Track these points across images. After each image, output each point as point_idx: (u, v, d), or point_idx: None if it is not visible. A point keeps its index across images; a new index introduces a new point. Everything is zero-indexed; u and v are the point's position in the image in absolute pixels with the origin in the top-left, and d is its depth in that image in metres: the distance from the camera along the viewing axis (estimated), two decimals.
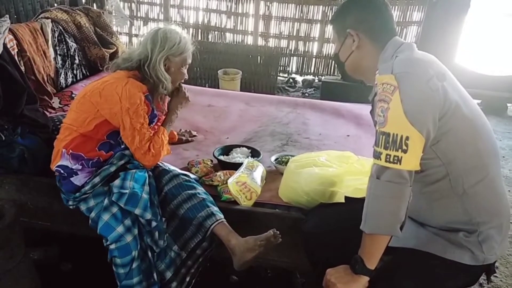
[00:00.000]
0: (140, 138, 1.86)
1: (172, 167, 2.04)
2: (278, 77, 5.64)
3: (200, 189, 1.89)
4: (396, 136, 1.20)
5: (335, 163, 1.93)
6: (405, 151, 1.19)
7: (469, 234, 1.33)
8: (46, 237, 2.35)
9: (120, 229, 1.77)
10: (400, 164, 1.20)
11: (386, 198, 1.24)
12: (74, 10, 3.12)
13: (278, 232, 1.69)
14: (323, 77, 5.53)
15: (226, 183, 1.98)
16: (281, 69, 5.73)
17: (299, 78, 5.88)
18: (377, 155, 1.25)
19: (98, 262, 1.92)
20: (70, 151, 1.86)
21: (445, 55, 1.30)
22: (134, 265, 1.79)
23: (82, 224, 1.94)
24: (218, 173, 2.10)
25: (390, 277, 1.37)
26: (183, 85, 2.10)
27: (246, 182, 1.97)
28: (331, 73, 5.67)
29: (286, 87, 5.66)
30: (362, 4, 1.47)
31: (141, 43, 1.95)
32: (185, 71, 2.03)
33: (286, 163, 2.20)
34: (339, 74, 5.37)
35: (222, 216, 1.81)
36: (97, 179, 1.86)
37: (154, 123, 2.01)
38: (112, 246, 1.77)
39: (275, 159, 2.27)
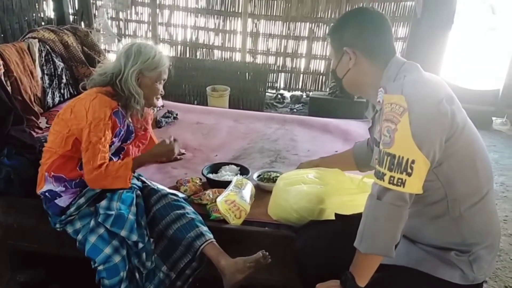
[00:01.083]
0: (93, 152, 1.78)
1: (160, 187, 2.03)
2: (267, 93, 5.66)
3: (189, 209, 1.88)
4: (402, 159, 1.20)
5: (324, 180, 1.93)
6: (409, 174, 1.19)
7: (461, 253, 1.33)
8: (33, 258, 2.31)
9: (107, 250, 1.75)
10: (403, 187, 1.20)
11: (385, 221, 1.24)
12: (61, 30, 3.12)
13: (267, 253, 1.69)
14: (311, 93, 5.57)
15: (215, 201, 1.98)
16: (269, 85, 5.76)
17: (287, 94, 5.91)
18: (380, 176, 1.24)
19: (86, 283, 1.89)
20: (52, 173, 1.85)
21: (430, 71, 1.31)
22: (123, 286, 1.78)
23: (70, 245, 1.92)
24: (207, 192, 2.09)
25: None
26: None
27: (235, 200, 1.96)
28: (319, 89, 5.72)
29: (275, 103, 5.68)
30: (359, 21, 1.45)
31: (116, 58, 1.94)
32: (161, 86, 1.99)
33: (269, 179, 2.21)
34: (327, 90, 5.43)
35: (211, 236, 1.79)
36: (82, 200, 1.85)
37: (131, 139, 2.01)
38: (100, 268, 1.76)
39: (258, 176, 2.26)
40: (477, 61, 7.08)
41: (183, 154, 2.60)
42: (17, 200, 2.10)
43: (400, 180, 1.20)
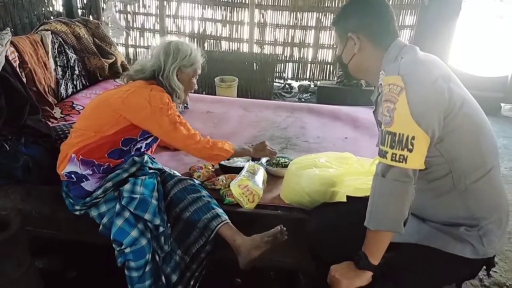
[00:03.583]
0: (185, 128, 1.95)
1: (176, 173, 2.08)
2: (274, 83, 5.69)
3: (205, 192, 1.92)
4: (402, 136, 1.23)
5: (335, 164, 1.97)
6: (410, 151, 1.23)
7: (470, 228, 1.36)
8: (51, 245, 2.37)
9: (134, 233, 1.80)
10: (405, 163, 1.23)
11: (391, 196, 1.28)
12: (73, 22, 3.15)
13: (285, 228, 1.73)
14: (318, 82, 5.59)
15: (229, 186, 2.02)
16: (277, 75, 5.79)
17: (295, 84, 5.93)
18: (383, 154, 1.27)
19: (102, 269, 1.94)
20: (81, 156, 1.88)
21: (439, 58, 1.32)
22: (147, 268, 1.82)
23: (87, 231, 1.97)
24: (220, 177, 2.13)
25: (393, 272, 1.40)
26: (268, 145, 2.25)
27: (248, 185, 2.00)
28: (327, 78, 5.73)
29: (283, 93, 5.70)
30: (363, 7, 1.49)
31: (154, 55, 2.02)
32: (195, 81, 2.11)
33: (277, 164, 2.26)
34: (334, 79, 5.44)
35: (227, 217, 1.84)
36: (109, 184, 1.89)
37: None
38: (127, 250, 1.80)
39: (266, 161, 2.31)
40: (485, 48, 7.04)
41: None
42: (35, 187, 2.15)
43: (402, 157, 1.23)
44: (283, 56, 5.76)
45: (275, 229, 1.73)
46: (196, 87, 2.14)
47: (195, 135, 1.97)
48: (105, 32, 3.39)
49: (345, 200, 1.73)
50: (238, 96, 4.90)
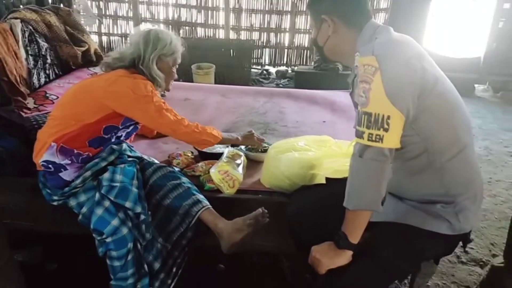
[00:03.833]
0: (172, 114, 1.93)
1: (155, 161, 2.06)
2: (252, 70, 5.68)
3: (185, 179, 1.92)
4: (378, 116, 1.25)
5: (314, 147, 1.98)
6: (386, 130, 1.24)
7: (446, 205, 1.39)
8: (30, 237, 2.33)
9: (115, 222, 1.78)
10: (382, 142, 1.25)
11: (368, 176, 1.30)
12: (43, 10, 3.06)
13: (266, 211, 1.74)
14: (296, 68, 5.60)
15: (208, 172, 2.01)
16: (254, 61, 5.77)
17: (272, 70, 5.94)
18: (359, 134, 1.29)
19: (83, 259, 1.92)
20: (61, 144, 1.84)
21: (414, 39, 1.34)
22: (129, 257, 1.81)
23: (66, 221, 1.94)
24: (200, 164, 2.13)
25: (372, 250, 1.43)
26: (256, 134, 2.27)
27: (228, 170, 2.00)
28: (304, 63, 5.74)
29: (260, 79, 5.70)
30: None
31: (133, 43, 1.99)
32: (175, 70, 2.09)
33: (257, 150, 2.27)
34: (312, 64, 5.45)
35: (208, 203, 1.84)
36: (88, 173, 1.86)
37: None
38: (108, 239, 1.78)
39: (246, 147, 2.32)
40: (458, 29, 7.14)
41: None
42: (10, 179, 2.10)
43: (378, 136, 1.25)
44: (259, 42, 5.75)
45: (257, 212, 1.74)
46: (176, 76, 2.13)
47: (183, 120, 1.96)
48: (77, 19, 3.31)
49: (324, 182, 1.75)
50: (215, 83, 4.87)
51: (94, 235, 1.81)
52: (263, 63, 5.91)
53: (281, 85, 5.49)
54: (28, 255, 2.29)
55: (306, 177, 1.85)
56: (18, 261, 2.12)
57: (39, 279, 2.16)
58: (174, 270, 1.94)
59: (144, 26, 2.07)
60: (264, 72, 5.87)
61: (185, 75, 5.21)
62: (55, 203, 1.92)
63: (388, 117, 1.24)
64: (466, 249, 2.47)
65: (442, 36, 6.70)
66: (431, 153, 1.37)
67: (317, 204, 1.66)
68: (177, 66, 2.10)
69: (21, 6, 3.24)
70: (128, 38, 2.14)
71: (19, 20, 2.77)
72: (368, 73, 1.28)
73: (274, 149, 1.99)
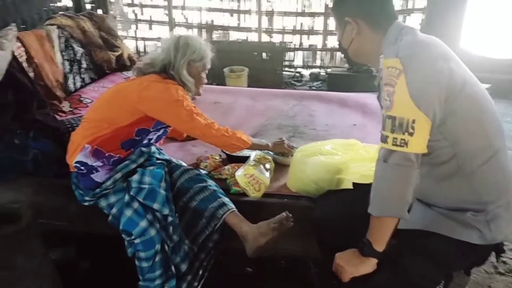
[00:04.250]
0: (202, 118, 1.95)
1: (183, 163, 2.10)
2: (284, 72, 5.67)
3: (211, 182, 1.93)
4: (403, 120, 1.21)
5: (341, 151, 1.95)
6: (411, 134, 1.21)
7: (477, 213, 1.33)
8: (65, 236, 2.41)
9: (143, 223, 1.81)
10: (406, 147, 1.21)
11: (393, 181, 1.26)
12: (78, 16, 3.17)
13: (290, 214, 1.73)
14: (329, 70, 5.54)
15: (234, 176, 2.02)
16: (287, 64, 5.76)
17: (305, 72, 5.90)
18: (384, 139, 1.26)
19: (115, 259, 1.96)
20: (95, 146, 1.89)
21: (450, 40, 1.28)
22: (157, 258, 1.84)
23: (98, 222, 1.98)
24: (226, 167, 2.14)
25: (399, 258, 1.39)
26: (286, 141, 2.27)
27: (254, 174, 2.00)
28: (337, 65, 5.67)
29: (293, 82, 5.67)
30: None
31: (164, 49, 2.03)
32: (204, 76, 2.12)
33: (284, 153, 2.24)
34: (345, 65, 5.38)
35: (233, 206, 1.85)
36: (118, 175, 1.91)
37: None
38: (137, 241, 1.82)
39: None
40: (497, 29, 6.87)
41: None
42: (46, 180, 2.18)
43: (403, 141, 1.21)
44: (292, 44, 5.72)
45: (281, 216, 1.73)
46: (205, 81, 2.16)
47: (213, 124, 1.98)
48: (111, 25, 3.40)
49: (351, 187, 1.72)
50: (248, 86, 4.89)
51: (123, 235, 1.85)
52: (295, 66, 5.88)
53: (313, 88, 5.45)
54: (63, 254, 2.36)
55: (332, 181, 1.82)
56: (53, 259, 2.20)
57: (73, 277, 2.23)
58: (200, 272, 1.96)
59: (175, 32, 2.11)
60: (297, 74, 5.84)
61: (218, 79, 5.26)
62: (86, 204, 1.97)
63: (413, 121, 1.21)
64: (504, 259, 2.36)
65: (480, 36, 6.47)
66: (460, 159, 1.32)
67: (343, 209, 1.63)
68: (206, 71, 2.13)
69: (59, 13, 3.36)
70: (160, 43, 2.18)
71: (55, 27, 2.88)
72: (392, 76, 1.25)
73: (300, 153, 1.98)
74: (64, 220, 2.20)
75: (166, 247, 1.89)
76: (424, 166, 1.30)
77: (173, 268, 1.88)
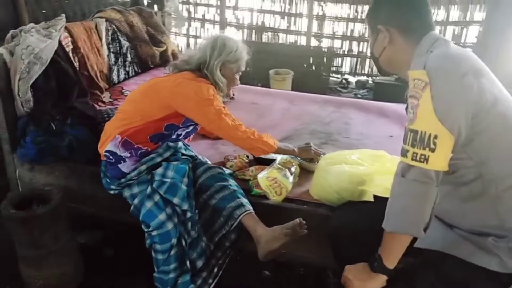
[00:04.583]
0: (230, 118, 1.97)
1: (208, 161, 2.12)
2: (331, 78, 5.59)
3: (232, 181, 1.93)
4: (424, 134, 1.16)
5: (367, 161, 1.89)
6: (432, 150, 1.16)
7: (499, 239, 1.25)
8: (93, 222, 2.49)
9: (162, 216, 1.85)
10: (426, 163, 1.17)
11: (409, 197, 1.21)
12: (127, 10, 3.28)
13: (304, 222, 1.70)
14: (376, 78, 5.41)
15: (257, 177, 2.01)
16: (334, 69, 5.68)
17: (352, 79, 5.79)
18: (404, 153, 1.22)
19: (138, 248, 2.00)
20: (125, 137, 1.94)
21: (509, 55, 1.22)
22: (172, 252, 1.87)
23: (123, 211, 2.04)
24: (251, 168, 2.14)
25: (410, 278, 1.33)
26: (313, 146, 2.22)
27: (277, 177, 1.98)
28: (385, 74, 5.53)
29: (338, 88, 5.58)
30: None
31: (201, 48, 2.07)
32: (238, 77, 2.14)
33: (311, 159, 2.20)
34: (393, 75, 5.23)
35: (251, 207, 1.84)
36: (143, 167, 1.95)
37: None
38: (154, 233, 1.85)
39: None
40: None
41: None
42: (78, 166, 2.27)
43: (423, 156, 1.16)
44: (341, 50, 5.63)
45: (294, 222, 1.71)
46: (238, 82, 2.17)
47: (240, 126, 1.99)
48: (158, 21, 3.49)
49: (372, 199, 1.67)
50: (292, 90, 4.86)
51: (142, 226, 1.89)
52: (343, 72, 5.78)
53: (359, 96, 5.33)
54: (90, 238, 2.45)
55: (354, 192, 1.77)
56: (80, 243, 2.28)
57: (97, 262, 2.30)
58: (215, 270, 1.97)
59: (226, 32, 2.14)
60: (344, 81, 5.74)
61: (263, 80, 5.27)
62: (112, 192, 2.03)
63: (435, 137, 1.15)
64: None
65: None
66: (486, 180, 1.24)
67: (360, 222, 1.59)
68: (240, 73, 2.14)
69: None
70: (199, 43, 2.22)
71: (104, 19, 2.99)
72: (417, 88, 1.20)
73: (325, 161, 1.94)
74: (92, 206, 2.29)
75: (183, 242, 1.91)
76: (447, 185, 1.25)
77: (188, 263, 1.90)
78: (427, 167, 1.17)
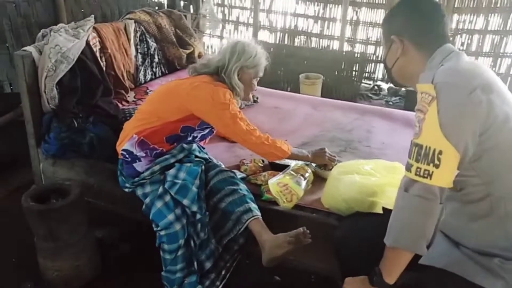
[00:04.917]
0: (245, 123, 1.98)
1: (222, 164, 2.14)
2: (363, 84, 5.50)
3: (242, 186, 1.94)
4: (429, 149, 1.14)
5: (380, 172, 1.85)
6: (437, 166, 1.13)
7: (506, 261, 1.21)
8: (110, 218, 2.55)
9: (171, 217, 1.88)
10: (430, 179, 1.14)
11: (412, 212, 1.19)
12: (157, 12, 3.34)
13: (308, 231, 1.69)
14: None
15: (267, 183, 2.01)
16: (366, 75, 5.58)
17: (384, 86, 5.67)
18: (408, 167, 1.20)
19: (153, 246, 2.04)
20: (142, 137, 1.99)
21: None
22: (180, 253, 1.90)
23: (138, 209, 2.08)
24: (263, 173, 2.13)
25: None
26: (328, 151, 2.21)
27: (288, 184, 1.97)
28: None
29: (370, 95, 5.48)
30: (409, 9, 1.40)
31: (221, 52, 2.10)
32: (255, 83, 2.15)
33: (327, 167, 2.17)
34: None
35: (259, 213, 1.84)
36: (157, 167, 1.99)
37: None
38: (162, 233, 1.89)
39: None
40: None
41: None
42: (98, 163, 2.34)
43: (426, 172, 1.14)
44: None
45: (298, 230, 1.70)
46: (256, 88, 2.18)
47: (254, 131, 2.00)
48: (187, 24, 3.54)
49: (381, 212, 1.64)
50: (322, 95, 4.81)
51: (153, 225, 1.93)
52: (375, 78, 5.68)
53: (390, 103, 5.22)
54: (107, 234, 2.51)
55: (364, 203, 1.73)
56: (97, 238, 2.35)
57: (113, 257, 2.36)
58: (223, 272, 1.98)
59: (259, 36, 2.15)
60: (375, 87, 5.63)
61: (293, 84, 5.25)
62: (126, 190, 2.08)
63: (440, 152, 1.13)
64: None
65: None
66: (495, 199, 1.20)
67: (366, 233, 1.55)
68: (258, 78, 2.15)
69: (156, 8, 3.59)
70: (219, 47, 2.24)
71: (133, 21, 3.07)
72: (424, 102, 1.17)
73: (337, 169, 1.91)
74: (109, 202, 2.35)
75: (192, 243, 1.93)
76: (454, 202, 1.23)
77: (195, 264, 1.92)
78: (430, 183, 1.15)
